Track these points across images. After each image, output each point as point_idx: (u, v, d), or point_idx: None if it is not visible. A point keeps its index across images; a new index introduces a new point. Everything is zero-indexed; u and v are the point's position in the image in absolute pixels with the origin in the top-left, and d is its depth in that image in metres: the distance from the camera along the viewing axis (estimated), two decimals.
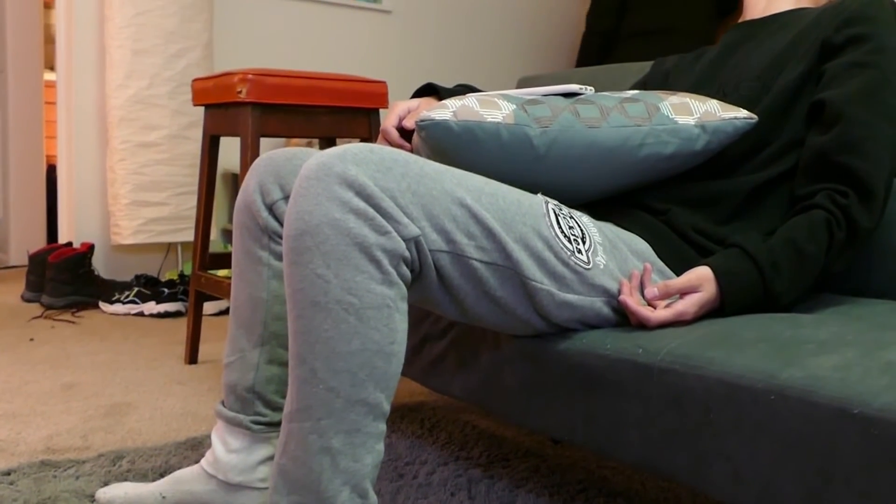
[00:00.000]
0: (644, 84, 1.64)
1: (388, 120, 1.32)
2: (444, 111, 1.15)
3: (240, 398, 1.31)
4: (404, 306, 1.01)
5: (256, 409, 1.30)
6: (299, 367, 0.98)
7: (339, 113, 2.23)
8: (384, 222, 0.97)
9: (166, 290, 2.95)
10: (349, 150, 0.99)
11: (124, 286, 2.99)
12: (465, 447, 1.69)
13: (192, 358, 2.30)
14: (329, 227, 0.95)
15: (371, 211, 0.96)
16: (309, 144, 3.32)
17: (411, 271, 1.01)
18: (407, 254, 0.99)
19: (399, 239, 0.97)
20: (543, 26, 4.37)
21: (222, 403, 1.33)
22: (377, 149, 1.01)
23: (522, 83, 2.22)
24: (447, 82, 3.99)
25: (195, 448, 1.61)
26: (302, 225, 0.97)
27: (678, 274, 1.21)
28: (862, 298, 1.32)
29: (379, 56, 3.80)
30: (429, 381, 1.44)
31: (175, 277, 3.05)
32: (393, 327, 0.99)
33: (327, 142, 2.42)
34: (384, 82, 2.28)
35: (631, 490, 1.50)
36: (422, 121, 1.15)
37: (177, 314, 2.95)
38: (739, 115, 1.26)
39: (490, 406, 1.31)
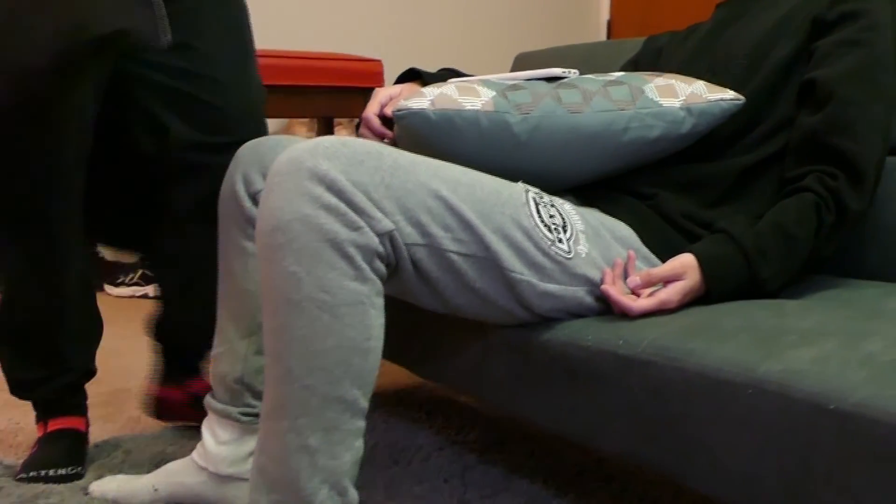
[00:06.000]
0: (636, 62, 1.61)
1: (370, 108, 1.31)
2: (422, 100, 1.13)
3: (229, 390, 1.31)
4: (380, 301, 1.00)
5: (245, 400, 1.30)
6: (275, 366, 0.98)
7: (335, 93, 2.22)
8: (356, 218, 0.95)
9: None
10: (321, 144, 0.98)
11: (129, 268, 3.00)
12: (461, 431, 1.69)
13: None
14: (300, 224, 0.94)
15: (343, 206, 0.95)
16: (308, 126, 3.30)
17: (387, 266, 1.00)
18: (381, 248, 0.97)
19: (372, 234, 0.96)
20: (541, 6, 4.30)
21: (212, 395, 1.33)
22: (350, 142, 0.99)
23: (519, 59, 2.19)
24: (444, 59, 3.93)
25: (191, 437, 1.62)
26: (273, 221, 0.96)
27: (664, 260, 1.19)
28: (854, 280, 1.30)
29: (375, 33, 3.75)
30: (421, 370, 1.44)
31: None
32: (368, 324, 0.98)
33: (325, 121, 2.41)
34: (379, 61, 2.26)
35: (626, 473, 1.49)
36: (398, 110, 1.14)
37: None
38: (726, 96, 1.24)
39: (481, 394, 1.30)
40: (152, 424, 1.72)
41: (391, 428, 1.70)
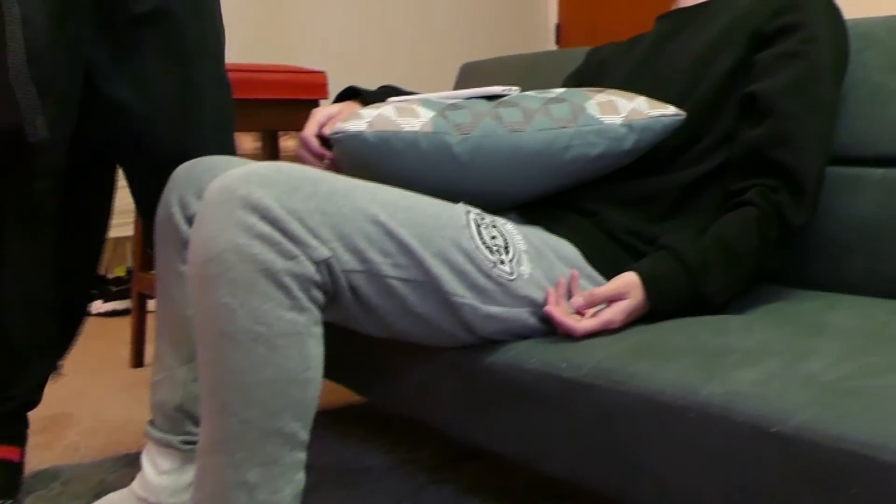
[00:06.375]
0: (580, 73, 1.60)
1: (308, 128, 1.28)
2: (359, 122, 1.11)
3: (169, 418, 1.27)
4: (318, 330, 0.97)
5: (186, 428, 1.27)
6: (210, 400, 0.95)
7: (278, 106, 2.18)
8: (291, 247, 0.93)
9: (114, 288, 2.89)
10: (254, 171, 0.95)
11: None
12: (413, 449, 1.67)
13: (137, 361, 2.25)
14: (233, 254, 0.91)
15: (277, 235, 0.92)
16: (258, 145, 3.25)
17: (325, 293, 0.98)
18: (317, 277, 0.95)
19: (308, 263, 0.94)
20: (490, 10, 4.29)
21: (151, 423, 1.30)
22: (284, 168, 0.97)
23: (465, 70, 2.17)
24: (390, 69, 3.89)
25: (132, 464, 1.57)
26: (206, 252, 0.93)
27: (609, 278, 1.18)
28: (799, 291, 1.30)
29: (319, 44, 3.71)
30: (367, 393, 1.41)
31: (123, 274, 2.99)
32: (306, 354, 0.95)
33: (270, 135, 2.37)
34: (323, 72, 2.23)
35: (578, 491, 1.48)
36: (335, 133, 1.11)
37: (125, 312, 2.88)
38: (667, 111, 1.23)
39: (428, 416, 1.28)
40: (92, 452, 1.67)
41: (341, 449, 1.67)
